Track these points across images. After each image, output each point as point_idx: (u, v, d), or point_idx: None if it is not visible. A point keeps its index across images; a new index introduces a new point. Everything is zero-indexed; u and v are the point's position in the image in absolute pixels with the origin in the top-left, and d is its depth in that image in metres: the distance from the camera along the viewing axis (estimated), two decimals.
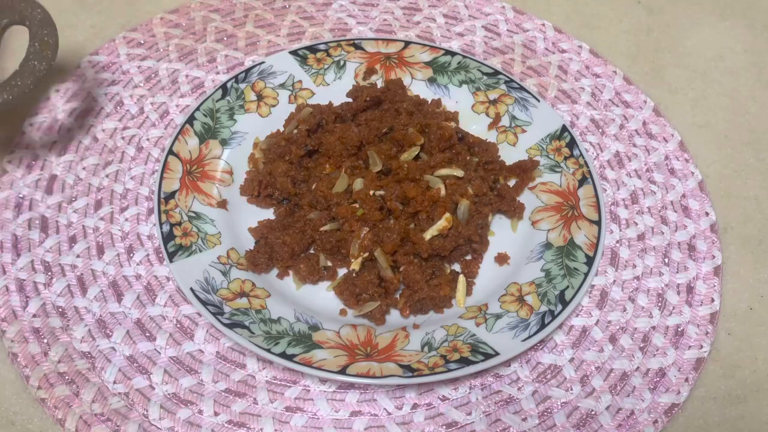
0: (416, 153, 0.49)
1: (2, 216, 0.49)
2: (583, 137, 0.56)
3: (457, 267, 0.49)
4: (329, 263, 0.47)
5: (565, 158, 0.52)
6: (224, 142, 0.52)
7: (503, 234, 0.50)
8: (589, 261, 0.47)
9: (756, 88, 0.61)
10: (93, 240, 0.48)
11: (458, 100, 0.56)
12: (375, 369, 0.42)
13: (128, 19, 0.61)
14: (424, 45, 0.58)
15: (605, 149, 0.55)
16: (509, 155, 0.53)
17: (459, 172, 0.48)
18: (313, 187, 0.48)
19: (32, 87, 0.45)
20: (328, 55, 0.57)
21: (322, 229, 0.47)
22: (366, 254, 0.46)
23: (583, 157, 0.52)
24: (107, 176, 0.51)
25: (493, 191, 0.51)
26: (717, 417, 0.44)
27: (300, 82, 0.56)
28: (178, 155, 0.50)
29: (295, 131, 0.52)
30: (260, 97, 0.55)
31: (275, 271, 0.48)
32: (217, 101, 0.53)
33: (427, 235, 0.46)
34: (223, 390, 0.43)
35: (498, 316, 0.45)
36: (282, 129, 0.54)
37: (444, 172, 0.48)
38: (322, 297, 0.47)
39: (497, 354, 0.43)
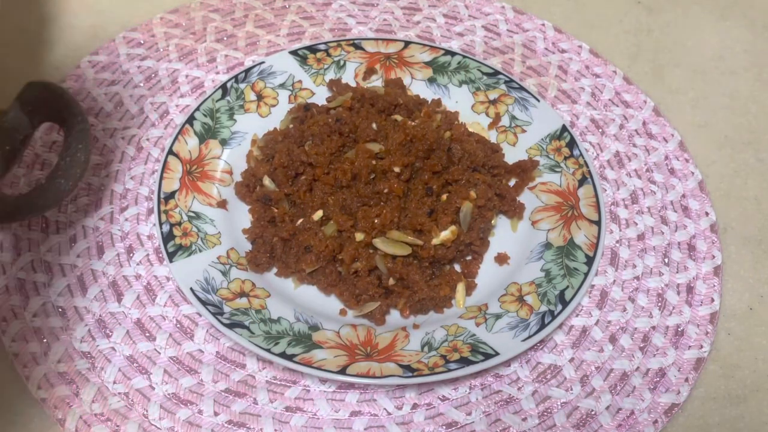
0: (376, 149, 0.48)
1: None
2: (583, 137, 0.56)
3: (456, 266, 0.49)
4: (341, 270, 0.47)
5: (565, 158, 0.52)
6: (224, 142, 0.52)
7: (503, 234, 0.50)
8: (589, 261, 0.47)
9: (756, 88, 0.61)
10: (93, 240, 0.48)
11: (458, 100, 0.56)
12: (375, 369, 0.42)
13: (128, 19, 0.61)
14: (424, 45, 0.58)
15: (605, 149, 0.55)
16: (509, 155, 0.53)
17: (375, 147, 0.48)
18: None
19: (52, 207, 0.44)
20: (328, 55, 0.57)
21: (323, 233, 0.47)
22: (363, 263, 0.46)
23: (583, 157, 0.52)
24: (107, 176, 0.51)
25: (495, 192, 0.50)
26: (717, 417, 0.44)
27: (300, 82, 0.56)
28: (177, 155, 0.50)
29: (291, 126, 0.52)
30: (260, 97, 0.55)
31: (275, 271, 0.48)
32: (217, 101, 0.53)
33: (431, 244, 0.46)
34: (223, 390, 0.43)
35: (498, 316, 0.45)
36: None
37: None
38: (322, 297, 0.47)
39: (497, 354, 0.43)
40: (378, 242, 0.46)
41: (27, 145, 0.44)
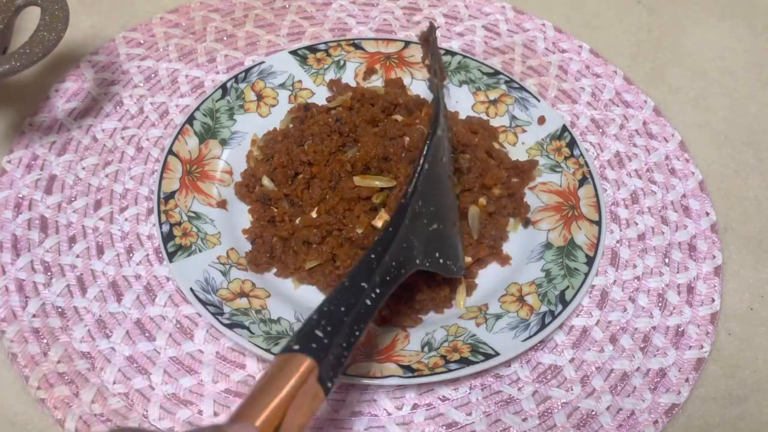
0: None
1: (2, 216, 0.49)
2: (583, 137, 0.56)
3: None
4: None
5: (566, 158, 0.52)
6: (224, 142, 0.52)
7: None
8: (590, 261, 0.47)
9: (756, 88, 0.61)
10: (93, 240, 0.48)
11: (458, 100, 0.56)
12: (375, 369, 0.42)
13: (128, 19, 0.61)
14: None
15: (605, 149, 0.55)
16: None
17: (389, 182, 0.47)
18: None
19: (41, 57, 0.45)
20: (328, 55, 0.57)
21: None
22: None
23: (584, 157, 0.52)
24: (107, 176, 0.51)
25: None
26: (717, 417, 0.44)
27: (300, 81, 0.56)
28: (177, 155, 0.50)
29: (291, 126, 0.52)
30: (260, 97, 0.55)
31: (275, 271, 0.48)
32: (216, 101, 0.53)
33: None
34: (223, 390, 0.43)
35: (498, 317, 0.45)
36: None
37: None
38: (322, 297, 0.47)
39: (497, 354, 0.43)
40: None
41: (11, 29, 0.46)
